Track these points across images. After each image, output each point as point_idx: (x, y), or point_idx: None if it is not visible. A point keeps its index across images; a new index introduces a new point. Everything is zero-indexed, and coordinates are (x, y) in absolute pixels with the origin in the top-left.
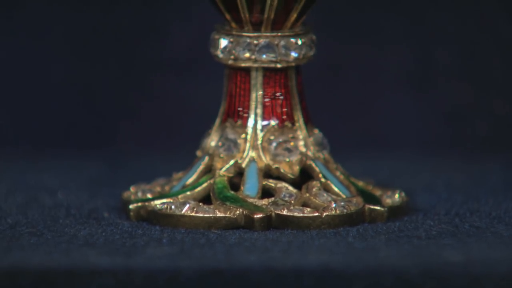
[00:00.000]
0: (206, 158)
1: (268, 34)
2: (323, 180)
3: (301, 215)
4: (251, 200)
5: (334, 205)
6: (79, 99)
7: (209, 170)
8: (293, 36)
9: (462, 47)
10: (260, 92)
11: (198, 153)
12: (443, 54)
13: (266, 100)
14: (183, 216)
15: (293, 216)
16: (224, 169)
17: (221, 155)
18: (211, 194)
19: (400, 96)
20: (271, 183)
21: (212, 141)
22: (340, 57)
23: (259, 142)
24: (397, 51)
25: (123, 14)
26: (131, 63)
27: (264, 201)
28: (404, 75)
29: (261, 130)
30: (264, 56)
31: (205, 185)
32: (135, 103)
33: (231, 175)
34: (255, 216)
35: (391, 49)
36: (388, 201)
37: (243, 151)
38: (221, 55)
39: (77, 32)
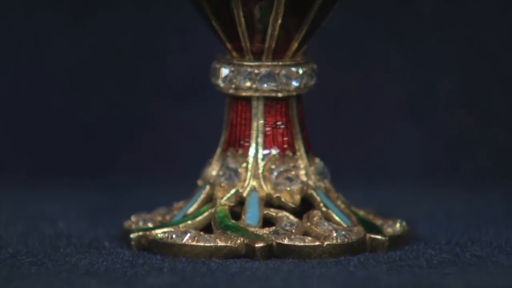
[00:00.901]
0: (207, 187)
1: (269, 63)
2: (324, 209)
3: (302, 244)
4: (252, 229)
5: (335, 234)
6: (79, 127)
7: (210, 199)
8: (294, 65)
9: (463, 76)
10: (261, 121)
11: (199, 182)
12: (444, 83)
13: (267, 129)
14: (184, 245)
15: (294, 245)
16: (225, 198)
17: (222, 184)
18: (212, 223)
19: (401, 125)
20: (272, 212)
21: (213, 170)
22: (341, 86)
23: (260, 171)
24: (398, 80)
25: (124, 42)
26: (132, 91)
27: (265, 230)
28: (405, 104)
29: (262, 159)
30: (265, 85)
31: (206, 214)
32: (136, 132)
33: (232, 204)
34: (256, 245)
35: (392, 78)
36: (389, 230)
37: (244, 180)
38: (222, 84)
39: (76, 60)
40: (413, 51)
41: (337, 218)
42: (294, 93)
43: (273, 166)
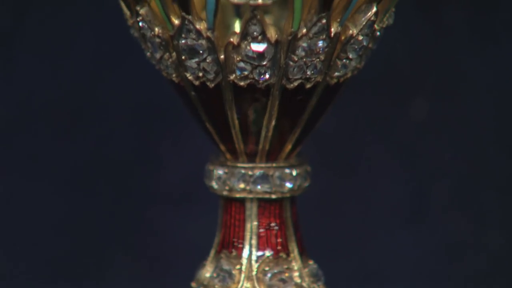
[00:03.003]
0: None
1: (263, 165)
2: None
3: None
4: None
5: None
6: (75, 232)
7: None
8: (287, 167)
9: (458, 180)
10: (255, 223)
11: (193, 284)
12: (439, 187)
13: (261, 230)
14: None
15: None
16: None
17: (216, 286)
18: None
19: (396, 229)
20: None
21: (207, 272)
22: (335, 188)
23: (254, 273)
24: (393, 183)
25: (117, 146)
26: (125, 195)
27: None
28: (399, 207)
29: (256, 261)
30: (259, 187)
31: None
32: (130, 235)
33: None
34: None
35: (387, 181)
36: None
37: (238, 282)
38: (215, 186)
39: (71, 166)
40: (407, 155)
41: None
42: (288, 195)
43: (267, 268)
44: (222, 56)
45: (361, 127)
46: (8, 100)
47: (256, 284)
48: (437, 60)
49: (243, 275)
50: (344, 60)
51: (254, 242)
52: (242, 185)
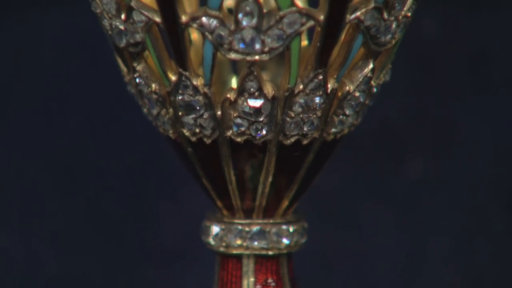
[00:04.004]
0: None
1: (259, 221)
2: None
3: None
4: None
5: None
6: None
7: None
8: (284, 224)
9: (455, 237)
10: (252, 279)
11: None
12: (436, 244)
13: (258, 287)
14: None
15: None
16: None
17: None
18: None
19: (393, 285)
20: None
21: None
22: (332, 245)
23: None
24: (389, 240)
25: (113, 202)
26: (121, 251)
27: None
28: (396, 264)
29: None
30: (256, 243)
31: None
32: None
33: None
34: None
35: (383, 237)
36: None
37: None
38: (212, 242)
39: (67, 221)
40: (404, 212)
41: None
42: (285, 251)
43: None
44: (219, 112)
45: (358, 183)
46: (3, 155)
47: None
48: (432, 116)
49: None
50: (341, 116)
51: None
52: (239, 241)
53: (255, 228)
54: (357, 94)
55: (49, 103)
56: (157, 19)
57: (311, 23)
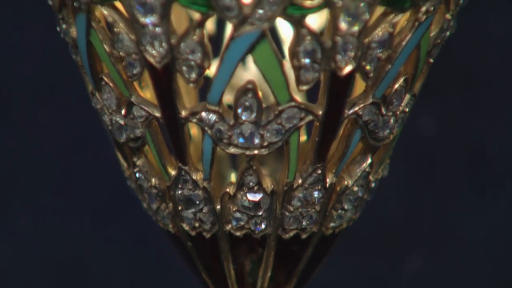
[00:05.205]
0: None
1: None
2: None
3: None
4: None
5: None
6: None
7: None
8: None
9: None
10: None
11: None
12: None
13: None
14: None
15: None
16: None
17: None
18: None
19: None
20: None
21: None
22: None
23: None
24: None
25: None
26: None
27: None
28: None
29: None
30: None
31: None
32: None
33: None
34: None
35: None
36: None
37: None
38: None
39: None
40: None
41: None
42: None
43: None
44: (218, 206)
45: (357, 277)
46: (4, 254)
47: None
48: (429, 214)
49: None
50: (340, 211)
51: None
52: None
53: None
54: (355, 188)
55: (49, 202)
56: (157, 114)
57: (309, 117)
